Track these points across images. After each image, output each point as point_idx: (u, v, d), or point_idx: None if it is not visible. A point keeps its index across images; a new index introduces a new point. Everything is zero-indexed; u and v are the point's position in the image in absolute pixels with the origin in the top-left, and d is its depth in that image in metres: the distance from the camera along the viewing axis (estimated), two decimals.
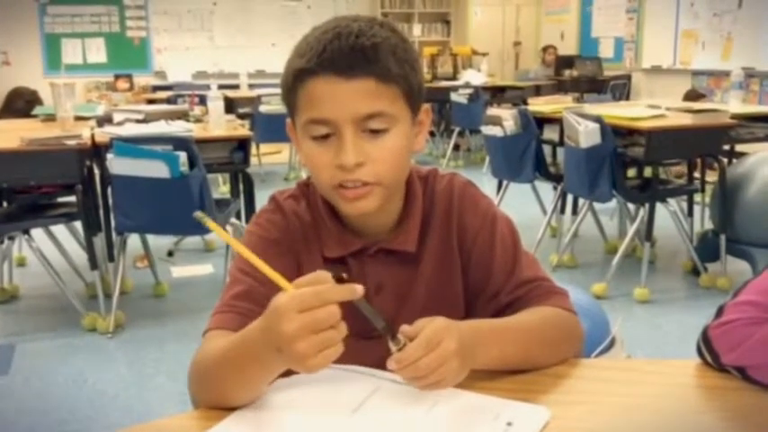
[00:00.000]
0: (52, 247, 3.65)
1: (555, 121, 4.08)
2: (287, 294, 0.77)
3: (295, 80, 0.93)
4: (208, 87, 4.04)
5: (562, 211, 4.20)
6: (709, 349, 0.95)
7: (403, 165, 0.98)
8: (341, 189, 0.94)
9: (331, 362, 0.77)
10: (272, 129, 5.67)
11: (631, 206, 4.13)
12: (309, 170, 0.98)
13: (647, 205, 3.59)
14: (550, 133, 4.17)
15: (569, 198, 4.19)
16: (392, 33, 0.95)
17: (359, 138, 0.92)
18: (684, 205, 4.18)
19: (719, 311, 0.97)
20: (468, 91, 7.02)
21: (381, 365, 0.88)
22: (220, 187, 5.74)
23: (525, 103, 5.25)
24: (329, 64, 0.90)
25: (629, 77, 8.47)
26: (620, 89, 8.16)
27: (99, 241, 3.42)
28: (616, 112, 3.88)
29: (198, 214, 0.80)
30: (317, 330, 0.75)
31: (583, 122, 3.53)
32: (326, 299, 0.76)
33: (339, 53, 0.90)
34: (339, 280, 0.79)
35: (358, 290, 0.78)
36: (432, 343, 0.82)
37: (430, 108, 1.02)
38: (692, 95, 6.37)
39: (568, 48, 9.60)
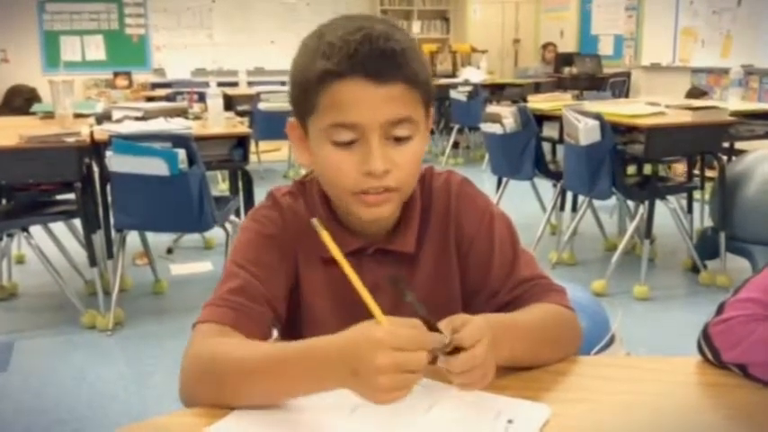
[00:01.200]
0: (51, 245, 3.65)
1: (554, 118, 4.07)
2: (386, 329, 0.78)
3: (319, 82, 0.90)
4: (207, 85, 4.03)
5: (562, 208, 4.20)
6: (709, 346, 0.94)
7: (418, 170, 0.99)
8: (362, 194, 0.93)
9: (398, 401, 0.78)
10: (272, 126, 5.67)
11: (631, 203, 4.13)
12: (326, 174, 0.96)
13: (646, 202, 3.59)
14: (550, 130, 4.17)
15: (569, 195, 4.19)
16: (409, 38, 0.94)
17: (384, 144, 0.91)
18: (684, 203, 4.18)
19: (720, 309, 0.96)
20: (468, 88, 7.02)
21: None
22: (219, 185, 5.73)
23: (525, 100, 5.24)
24: (360, 67, 0.88)
25: (628, 75, 8.46)
26: (620, 86, 8.16)
27: (98, 239, 3.42)
28: (615, 109, 3.87)
29: (314, 221, 0.85)
30: (403, 370, 0.77)
31: (582, 120, 3.53)
32: (422, 345, 0.78)
33: (370, 56, 0.88)
34: (427, 325, 0.81)
35: (445, 341, 0.81)
36: (476, 336, 0.83)
37: (433, 113, 1.02)
38: (695, 93, 6.37)
39: (568, 45, 9.59)
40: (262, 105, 6.03)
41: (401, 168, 0.93)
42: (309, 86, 0.91)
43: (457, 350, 0.82)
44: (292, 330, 1.02)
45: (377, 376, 0.76)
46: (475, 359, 0.82)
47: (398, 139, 0.92)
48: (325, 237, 0.84)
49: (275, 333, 1.03)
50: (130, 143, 2.95)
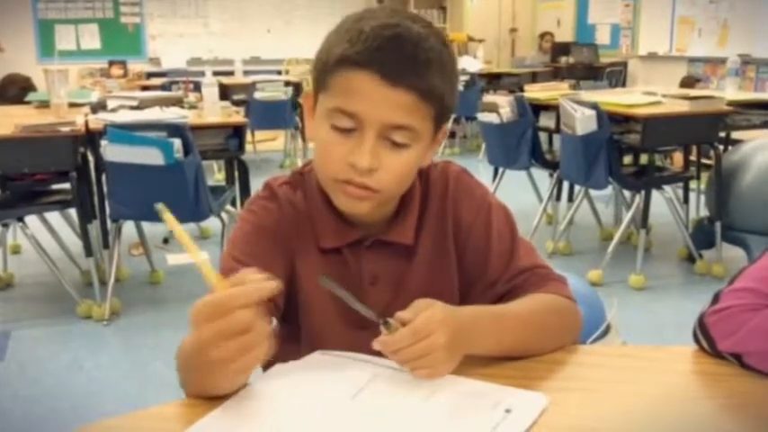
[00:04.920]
0: (47, 235, 3.64)
1: (551, 108, 4.07)
2: (198, 303, 0.75)
3: (336, 64, 0.90)
4: (202, 74, 4.02)
5: (558, 198, 4.20)
6: (705, 336, 0.95)
7: (409, 180, 0.98)
8: (344, 183, 0.93)
9: (257, 365, 0.74)
10: (268, 116, 5.65)
11: (627, 193, 4.13)
12: (317, 155, 0.96)
13: (642, 192, 3.59)
14: (547, 120, 4.17)
15: (565, 185, 4.19)
16: (444, 47, 0.92)
17: (379, 143, 0.90)
18: (680, 192, 4.18)
19: (715, 298, 0.97)
20: (465, 78, 6.99)
21: (379, 354, 0.88)
22: (215, 174, 5.72)
23: (521, 89, 5.24)
24: (379, 64, 0.87)
25: (625, 64, 8.46)
26: (617, 76, 8.15)
27: (94, 229, 3.41)
28: (612, 98, 3.87)
29: (159, 206, 0.80)
30: (228, 337, 0.73)
31: (579, 109, 3.53)
32: (228, 307, 0.74)
33: (392, 56, 0.87)
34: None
35: (264, 288, 0.75)
36: (419, 334, 0.83)
37: (447, 129, 1.01)
38: (688, 82, 6.38)
39: (565, 34, 9.57)
40: (257, 95, 6.00)
41: (388, 172, 0.92)
42: (328, 65, 0.91)
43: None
44: (291, 319, 1.02)
45: (208, 354, 0.73)
46: (394, 344, 0.82)
47: (395, 144, 0.91)
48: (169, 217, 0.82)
49: (275, 322, 1.03)
50: (126, 132, 2.94)
